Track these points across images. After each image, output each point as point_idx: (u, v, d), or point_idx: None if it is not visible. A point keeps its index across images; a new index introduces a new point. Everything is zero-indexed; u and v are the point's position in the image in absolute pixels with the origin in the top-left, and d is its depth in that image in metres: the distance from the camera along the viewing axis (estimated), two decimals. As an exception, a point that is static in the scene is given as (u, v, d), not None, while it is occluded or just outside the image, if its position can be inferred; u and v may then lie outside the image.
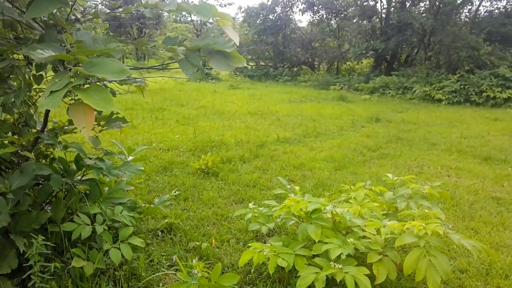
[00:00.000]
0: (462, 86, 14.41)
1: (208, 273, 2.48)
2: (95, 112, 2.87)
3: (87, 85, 1.73)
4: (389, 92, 16.45)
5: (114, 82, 3.15)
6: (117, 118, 3.15)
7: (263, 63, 26.08)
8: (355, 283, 2.36)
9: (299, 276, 2.46)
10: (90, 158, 3.24)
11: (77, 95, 1.69)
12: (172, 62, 2.55)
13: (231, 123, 9.43)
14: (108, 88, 2.94)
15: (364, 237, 2.69)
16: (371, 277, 2.46)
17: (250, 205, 3.35)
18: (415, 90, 15.39)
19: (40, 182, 3.22)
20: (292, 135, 8.40)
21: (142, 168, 3.64)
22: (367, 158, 6.87)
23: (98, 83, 1.79)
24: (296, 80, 21.84)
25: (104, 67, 1.73)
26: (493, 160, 6.82)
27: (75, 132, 3.45)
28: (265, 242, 2.92)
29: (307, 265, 2.56)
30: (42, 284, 2.50)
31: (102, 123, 3.06)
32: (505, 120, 10.65)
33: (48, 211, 3.00)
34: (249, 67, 25.64)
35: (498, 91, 13.65)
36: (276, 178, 5.47)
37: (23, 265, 2.55)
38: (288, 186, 3.42)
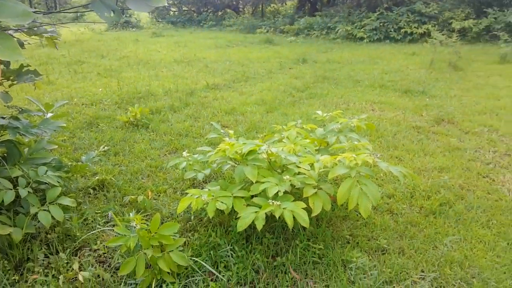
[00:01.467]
0: (381, 24, 14.85)
1: (147, 225, 2.44)
2: (2, 66, 2.59)
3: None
4: (314, 33, 16.58)
5: (23, 32, 2.84)
6: (28, 70, 2.85)
7: (185, 8, 24.95)
8: (294, 217, 2.44)
9: (239, 217, 2.49)
10: (3, 118, 2.95)
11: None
12: (87, 9, 2.31)
13: (157, 73, 9.05)
14: (15, 39, 2.64)
15: (299, 173, 2.75)
16: (308, 211, 2.56)
17: (184, 153, 3.28)
18: (338, 30, 15.64)
19: None
20: (221, 81, 8.26)
21: (64, 125, 3.39)
22: (297, 99, 6.98)
23: (2, 30, 1.57)
24: (221, 25, 21.22)
25: (5, 10, 1.52)
26: (412, 93, 7.24)
27: (-19, 91, 3.10)
28: (203, 189, 2.91)
29: (246, 206, 2.60)
30: (-36, 256, 2.33)
31: (11, 77, 2.76)
32: (421, 54, 11.23)
33: (-39, 179, 2.73)
34: (172, 12, 24.44)
35: (414, 27, 14.26)
36: (208, 125, 5.42)
37: None
38: (222, 131, 3.39)
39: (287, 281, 2.54)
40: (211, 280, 2.49)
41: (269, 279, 2.56)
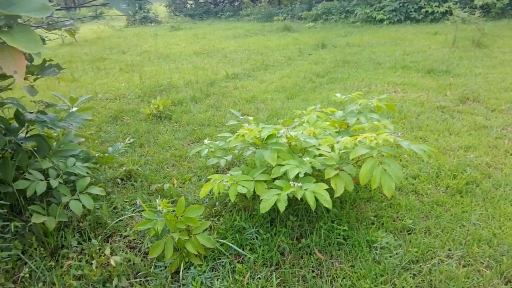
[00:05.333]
0: (401, 4, 14.51)
1: (173, 210, 2.50)
2: (26, 61, 2.68)
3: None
4: (332, 18, 16.36)
5: (43, 28, 2.93)
6: (51, 65, 2.95)
7: (202, 0, 24.99)
8: (316, 199, 2.46)
9: (262, 200, 2.53)
10: (31, 113, 3.07)
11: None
12: (105, 2, 2.37)
13: (178, 65, 9.14)
14: (40, 40, 2.73)
15: (320, 155, 2.77)
16: (330, 192, 2.57)
17: (205, 141, 3.34)
18: (357, 13, 15.37)
19: (-19, 144, 3.03)
20: (241, 70, 8.29)
21: (90, 118, 3.49)
22: (317, 84, 6.94)
23: (22, 23, 1.64)
24: (239, 15, 21.18)
25: (24, 4, 1.58)
26: (435, 72, 7.09)
27: (11, 89, 3.22)
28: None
29: (268, 189, 2.63)
30: (4, 244, 2.44)
31: (35, 71, 2.85)
32: (444, 33, 10.96)
33: (-3, 172, 2.86)
34: (189, 5, 24.52)
35: (435, 6, 13.89)
36: (230, 114, 5.46)
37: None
38: (241, 117, 3.42)
39: (312, 262, 2.57)
40: (238, 262, 2.54)
41: (294, 260, 2.59)
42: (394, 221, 2.97)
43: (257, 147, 3.01)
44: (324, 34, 12.87)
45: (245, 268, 2.49)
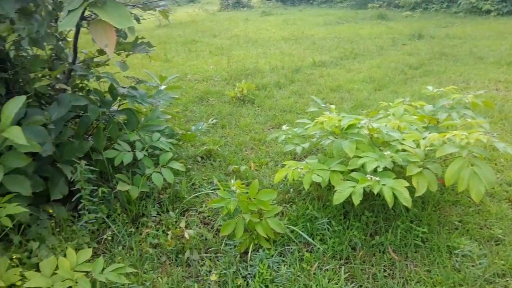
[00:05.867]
0: (514, -6, 13.15)
1: (247, 192, 2.53)
2: (121, 38, 2.83)
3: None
4: (433, 7, 15.31)
5: (138, 8, 3.08)
6: (142, 42, 3.10)
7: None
8: (394, 196, 2.33)
9: (336, 191, 2.46)
10: (124, 88, 3.27)
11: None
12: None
13: (265, 50, 9.19)
14: (132, 14, 2.88)
15: (403, 150, 2.61)
16: (411, 191, 2.42)
17: (284, 127, 3.31)
18: (460, 3, 14.20)
19: (80, 114, 3.30)
20: (328, 58, 8.10)
21: (177, 96, 3.65)
22: (409, 76, 6.56)
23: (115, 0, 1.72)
24: (332, 1, 20.64)
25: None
26: (547, 71, 6.34)
27: (108, 65, 3.46)
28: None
29: (343, 180, 2.55)
30: (92, 207, 2.65)
31: (127, 48, 3.02)
32: None
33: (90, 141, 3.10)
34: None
35: (556, -4, 12.38)
36: (313, 102, 5.38)
37: (73, 190, 2.70)
38: (323, 105, 3.34)
39: (384, 261, 2.45)
40: (306, 251, 2.51)
41: (365, 257, 2.49)
42: (481, 228, 2.72)
43: (336, 136, 2.92)
44: (421, 24, 12.10)
45: (313, 258, 2.45)
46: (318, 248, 2.50)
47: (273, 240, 2.52)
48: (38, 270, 2.16)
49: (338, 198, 2.38)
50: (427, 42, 9.35)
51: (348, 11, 17.24)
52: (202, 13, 18.58)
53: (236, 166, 3.54)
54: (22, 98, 2.32)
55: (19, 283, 2.10)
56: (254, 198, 2.44)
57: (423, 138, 2.57)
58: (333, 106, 3.34)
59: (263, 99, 5.62)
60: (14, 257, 2.26)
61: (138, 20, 2.97)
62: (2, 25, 2.40)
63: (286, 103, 5.39)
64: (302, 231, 2.60)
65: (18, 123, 2.40)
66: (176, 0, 17.50)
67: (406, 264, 2.43)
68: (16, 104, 2.30)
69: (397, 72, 6.85)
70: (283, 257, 2.46)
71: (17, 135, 2.15)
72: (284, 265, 2.36)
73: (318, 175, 2.54)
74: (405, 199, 2.31)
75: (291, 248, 2.51)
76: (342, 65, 7.61)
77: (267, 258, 2.38)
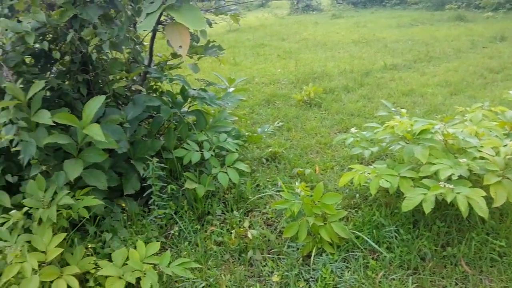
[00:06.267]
0: None
1: (311, 195, 2.50)
2: (193, 42, 2.94)
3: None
4: (518, 6, 14.21)
5: (211, 12, 3.17)
6: (213, 45, 3.19)
7: (367, -12, 24.20)
8: (469, 205, 2.18)
9: (405, 198, 2.35)
10: (194, 89, 3.38)
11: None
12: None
13: (334, 54, 9.06)
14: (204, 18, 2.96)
15: (480, 158, 2.44)
16: (488, 201, 2.26)
17: (352, 129, 3.24)
18: (553, 1, 13.06)
19: (152, 115, 3.47)
20: (401, 61, 7.81)
21: (244, 99, 3.71)
22: (489, 81, 6.14)
23: (190, 3, 1.79)
24: (406, 3, 19.87)
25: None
26: None
27: (180, 68, 3.60)
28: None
29: (413, 187, 2.43)
30: (162, 203, 2.77)
31: (199, 51, 3.13)
32: None
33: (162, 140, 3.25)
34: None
35: None
36: (383, 106, 5.21)
37: (144, 186, 2.84)
38: (393, 109, 3.22)
39: (456, 274, 2.31)
40: (372, 258, 2.43)
41: (435, 268, 2.36)
42: None
43: (407, 142, 2.80)
44: (505, 25, 11.28)
45: (379, 266, 2.37)
46: (385, 256, 2.41)
47: (337, 245, 2.47)
48: (110, 260, 2.30)
49: (407, 205, 2.28)
50: (511, 44, 8.69)
51: (423, 12, 16.50)
52: (272, 17, 18.74)
53: (300, 169, 3.52)
54: (102, 98, 2.49)
55: (93, 271, 2.25)
56: (319, 201, 2.41)
57: (504, 146, 2.39)
58: (404, 111, 3.21)
59: (330, 102, 5.54)
60: (89, 246, 2.43)
61: (210, 24, 3.07)
62: (86, 29, 2.59)
63: (354, 107, 5.27)
64: (368, 238, 2.52)
65: (97, 121, 2.57)
66: (246, 5, 17.81)
67: (481, 279, 2.27)
68: (96, 103, 2.47)
69: (476, 76, 6.44)
70: (347, 263, 2.40)
71: (96, 132, 2.31)
72: (348, 271, 2.30)
73: (386, 180, 2.45)
74: (482, 210, 2.15)
75: (356, 255, 2.44)
76: (415, 68, 7.30)
77: (330, 263, 2.34)
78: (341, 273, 2.30)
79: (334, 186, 3.32)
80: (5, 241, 2.25)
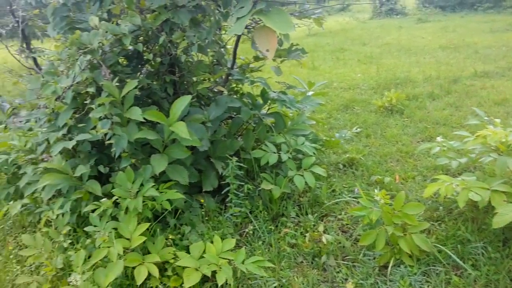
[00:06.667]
0: None
1: (391, 204, 2.41)
2: (277, 45, 2.97)
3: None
4: None
5: (294, 16, 3.19)
6: (296, 49, 3.21)
7: (457, -9, 22.82)
8: None
9: (496, 213, 2.18)
10: (274, 92, 3.42)
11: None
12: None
13: (419, 59, 8.66)
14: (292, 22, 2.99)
15: None
16: None
17: (438, 138, 3.07)
18: None
19: (232, 116, 3.57)
20: (493, 68, 7.25)
21: (323, 103, 3.68)
22: None
23: (279, 7, 1.82)
24: (501, 6, 18.43)
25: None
26: None
27: (261, 71, 3.66)
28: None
29: (506, 202, 2.24)
30: (238, 201, 2.84)
31: (282, 54, 3.16)
32: None
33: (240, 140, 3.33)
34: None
35: None
36: (472, 116, 4.87)
37: (222, 185, 2.92)
38: (486, 118, 3.00)
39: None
40: (455, 275, 2.28)
41: (528, 292, 2.16)
42: None
43: (501, 153, 2.60)
44: None
45: (463, 283, 2.21)
46: (469, 273, 2.25)
47: (416, 257, 2.35)
48: (188, 251, 2.39)
49: (498, 221, 2.11)
50: None
51: (521, 16, 15.22)
52: (353, 21, 18.39)
53: (379, 177, 3.41)
54: (188, 98, 2.61)
55: (172, 260, 2.36)
56: (399, 211, 2.31)
57: None
58: (498, 120, 2.98)
59: (413, 109, 5.31)
60: (169, 237, 2.55)
61: (294, 28, 3.09)
62: (176, 33, 2.73)
63: (439, 115, 5.00)
64: (452, 253, 2.37)
65: (182, 120, 2.70)
66: (326, 9, 17.67)
67: None
68: (182, 102, 2.60)
69: None
70: (427, 277, 2.27)
71: (182, 130, 2.43)
72: (428, 286, 2.18)
73: (476, 193, 2.29)
74: None
75: (437, 269, 2.31)
76: (509, 76, 6.74)
77: (409, 276, 2.23)
78: (420, 286, 2.18)
79: (415, 196, 3.17)
80: (95, 226, 2.45)
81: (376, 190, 2.55)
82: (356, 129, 4.57)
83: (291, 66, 8.09)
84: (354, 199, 3.10)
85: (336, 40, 12.44)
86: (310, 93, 3.81)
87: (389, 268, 2.29)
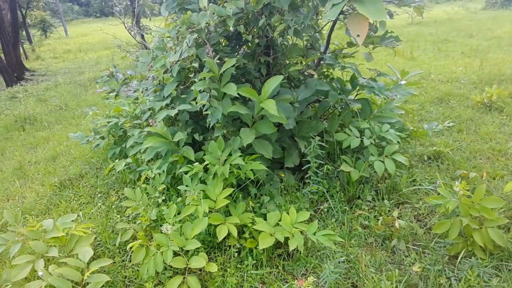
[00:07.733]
0: None
1: (470, 196, 2.40)
2: (371, 32, 3.05)
3: None
4: None
5: (393, 4, 3.21)
6: (390, 36, 3.23)
7: None
8: None
9: None
10: (364, 78, 3.49)
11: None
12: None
13: (532, 55, 7.94)
14: (386, 10, 3.02)
15: None
16: None
17: (536, 138, 2.93)
18: None
19: (320, 99, 3.70)
20: None
21: (415, 93, 3.65)
22: None
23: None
24: None
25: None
26: None
27: (353, 57, 3.73)
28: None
29: None
30: (316, 180, 3.00)
31: (375, 41, 3.20)
32: None
33: (325, 123, 3.46)
34: None
35: None
36: None
37: (302, 164, 3.10)
38: None
39: None
40: (530, 275, 2.23)
41: None
42: None
43: None
44: None
45: (537, 285, 2.17)
46: (546, 276, 2.19)
47: (490, 252, 2.34)
48: (265, 219, 2.63)
49: None
50: None
51: None
52: (462, 11, 17.17)
53: (465, 172, 3.34)
54: (280, 78, 2.81)
55: (250, 224, 2.62)
56: (478, 204, 2.30)
57: None
58: None
59: (515, 108, 4.98)
60: (250, 204, 2.81)
61: (391, 15, 3.10)
62: (275, 16, 2.93)
63: (545, 116, 4.65)
64: (529, 253, 2.32)
65: (272, 98, 2.91)
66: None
67: None
68: (274, 82, 2.80)
69: None
70: (498, 271, 2.26)
71: (271, 107, 2.64)
72: (497, 279, 2.17)
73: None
74: None
75: (510, 265, 2.28)
76: None
77: (478, 267, 2.23)
78: (489, 279, 2.18)
79: (499, 195, 3.07)
80: (187, 186, 2.79)
81: (457, 182, 2.55)
82: (449, 123, 4.44)
83: (387, 55, 7.91)
84: (433, 189, 3.09)
85: (440, 30, 11.78)
86: (403, 82, 3.78)
87: (459, 258, 2.31)
